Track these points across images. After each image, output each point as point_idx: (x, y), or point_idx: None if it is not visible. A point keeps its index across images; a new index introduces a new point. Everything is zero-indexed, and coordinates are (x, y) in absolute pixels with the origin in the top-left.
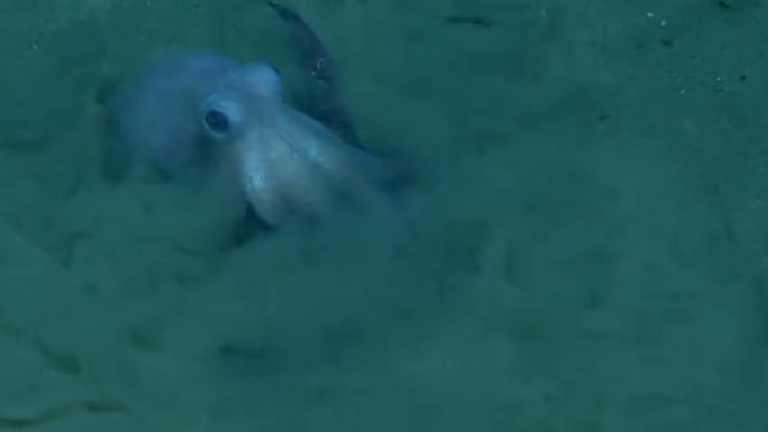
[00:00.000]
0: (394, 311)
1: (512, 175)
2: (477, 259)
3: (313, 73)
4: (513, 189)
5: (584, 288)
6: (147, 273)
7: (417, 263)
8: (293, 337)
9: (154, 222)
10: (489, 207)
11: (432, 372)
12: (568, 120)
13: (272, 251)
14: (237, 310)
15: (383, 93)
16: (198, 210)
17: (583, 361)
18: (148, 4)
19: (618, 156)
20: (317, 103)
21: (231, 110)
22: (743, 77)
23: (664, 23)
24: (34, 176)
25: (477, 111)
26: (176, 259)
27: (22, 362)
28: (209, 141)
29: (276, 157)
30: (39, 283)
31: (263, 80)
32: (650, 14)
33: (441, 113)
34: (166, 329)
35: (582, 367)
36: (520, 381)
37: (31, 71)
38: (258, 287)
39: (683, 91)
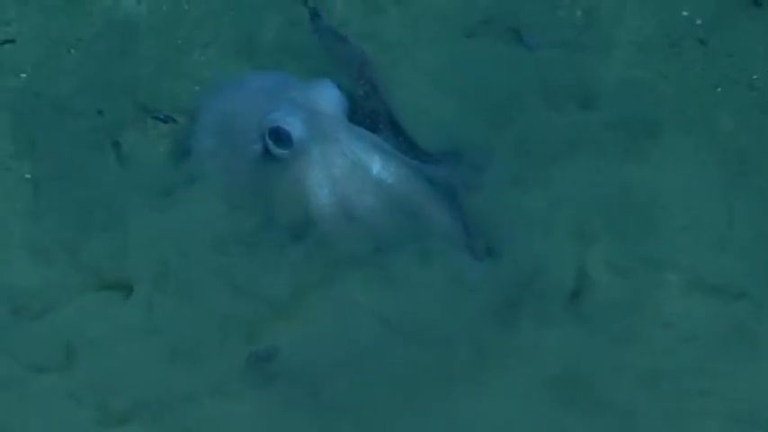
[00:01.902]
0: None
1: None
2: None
3: (354, 77)
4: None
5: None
6: (219, 328)
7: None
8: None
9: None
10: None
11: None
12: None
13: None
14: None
15: (427, 94)
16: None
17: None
18: (185, 7)
19: (657, 155)
20: (360, 105)
21: (295, 126)
22: None
23: (699, 22)
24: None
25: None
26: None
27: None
28: (273, 158)
29: (339, 173)
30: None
31: (326, 96)
32: (685, 13)
33: (480, 116)
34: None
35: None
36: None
37: (69, 76)
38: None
39: (719, 89)
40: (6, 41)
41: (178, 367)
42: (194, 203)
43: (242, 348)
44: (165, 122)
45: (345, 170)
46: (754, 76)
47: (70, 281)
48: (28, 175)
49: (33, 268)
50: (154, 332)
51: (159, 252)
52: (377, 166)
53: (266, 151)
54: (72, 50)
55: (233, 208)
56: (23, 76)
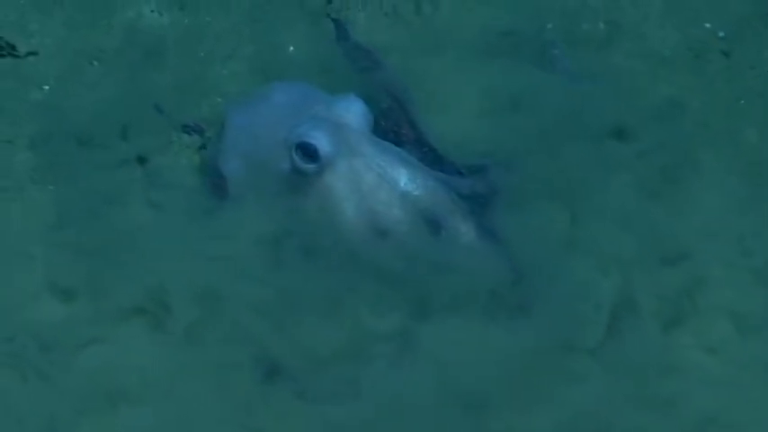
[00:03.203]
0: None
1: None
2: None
3: (378, 90)
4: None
5: None
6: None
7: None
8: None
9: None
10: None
11: None
12: None
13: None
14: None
15: (451, 108)
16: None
17: None
18: (207, 19)
19: (689, 179)
20: (384, 118)
21: (321, 140)
22: None
23: (721, 34)
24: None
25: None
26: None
27: None
28: (299, 173)
29: (366, 188)
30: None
31: (351, 110)
32: (708, 25)
33: (508, 126)
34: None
35: None
36: None
37: (92, 88)
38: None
39: (742, 101)
40: (29, 53)
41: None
42: (226, 227)
43: (281, 384)
44: (193, 133)
45: (372, 184)
46: None
47: (99, 313)
48: (51, 187)
49: (59, 301)
50: (190, 363)
51: (194, 280)
52: (403, 179)
53: (293, 166)
54: (95, 63)
55: (267, 233)
56: (46, 88)
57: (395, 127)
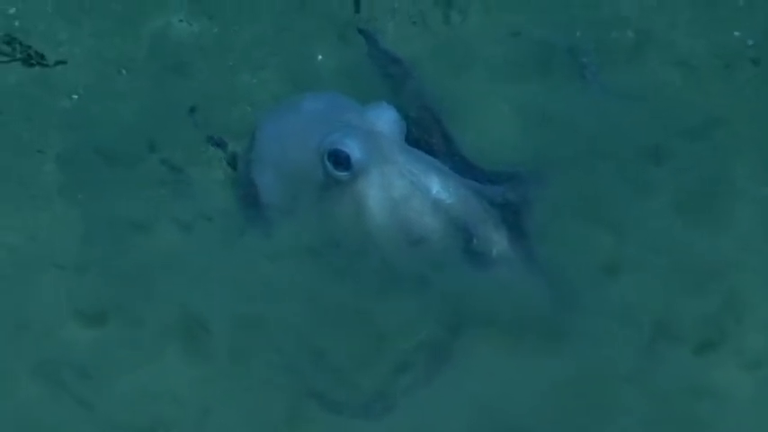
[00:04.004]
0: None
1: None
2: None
3: (408, 98)
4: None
5: None
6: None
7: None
8: None
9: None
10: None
11: None
12: None
13: None
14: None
15: (480, 116)
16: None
17: None
18: (236, 28)
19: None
20: (415, 126)
21: (353, 148)
22: None
23: (750, 42)
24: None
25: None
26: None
27: None
28: (331, 181)
29: (399, 195)
30: None
31: (384, 118)
32: (737, 34)
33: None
34: None
35: None
36: None
37: (121, 97)
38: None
39: None
40: (58, 63)
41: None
42: (263, 247)
43: (316, 404)
44: (217, 147)
45: (405, 191)
46: None
47: (133, 337)
48: (80, 196)
49: (91, 324)
50: (227, 388)
51: (229, 303)
52: (436, 187)
53: (325, 174)
54: (123, 72)
55: (300, 248)
56: (75, 97)
57: (425, 135)
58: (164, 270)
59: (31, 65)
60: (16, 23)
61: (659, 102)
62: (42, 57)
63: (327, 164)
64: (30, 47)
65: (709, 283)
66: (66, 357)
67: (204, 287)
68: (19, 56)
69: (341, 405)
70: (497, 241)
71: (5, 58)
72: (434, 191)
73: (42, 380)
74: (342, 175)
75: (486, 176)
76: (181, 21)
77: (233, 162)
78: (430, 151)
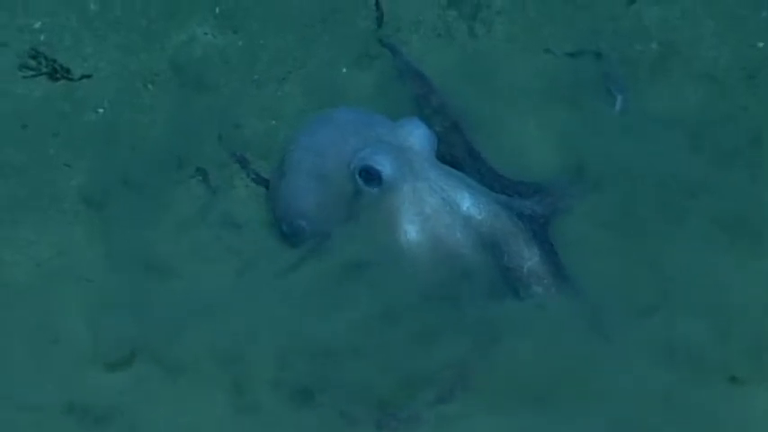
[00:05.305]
0: None
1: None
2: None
3: (434, 113)
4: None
5: None
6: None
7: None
8: None
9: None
10: None
11: None
12: None
13: None
14: None
15: (505, 126)
16: None
17: None
18: (261, 42)
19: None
20: (440, 141)
21: (384, 164)
22: None
23: None
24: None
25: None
26: None
27: None
28: (361, 196)
29: (430, 211)
30: None
31: (415, 134)
32: (761, 44)
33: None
34: None
35: None
36: None
37: (146, 111)
38: None
39: None
40: (84, 77)
41: None
42: (295, 276)
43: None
44: (240, 164)
45: (436, 207)
46: None
47: (165, 378)
48: (107, 212)
49: (118, 367)
50: (269, 424)
51: (267, 338)
52: (466, 202)
53: (356, 190)
54: (149, 86)
55: (331, 271)
56: (101, 111)
57: (451, 149)
58: (196, 302)
59: (57, 79)
60: (41, 38)
61: (689, 123)
62: (68, 71)
63: (359, 180)
64: (55, 61)
65: (741, 312)
66: (92, 399)
67: (245, 322)
68: (44, 70)
69: (367, 419)
70: (528, 257)
71: (31, 73)
72: (465, 207)
73: (71, 419)
74: (373, 191)
75: (514, 188)
76: (206, 34)
77: (258, 179)
78: (455, 165)
